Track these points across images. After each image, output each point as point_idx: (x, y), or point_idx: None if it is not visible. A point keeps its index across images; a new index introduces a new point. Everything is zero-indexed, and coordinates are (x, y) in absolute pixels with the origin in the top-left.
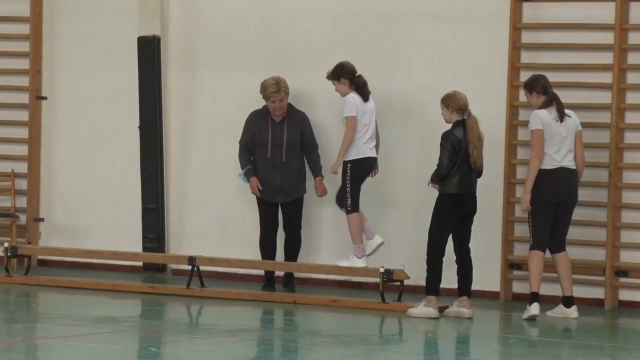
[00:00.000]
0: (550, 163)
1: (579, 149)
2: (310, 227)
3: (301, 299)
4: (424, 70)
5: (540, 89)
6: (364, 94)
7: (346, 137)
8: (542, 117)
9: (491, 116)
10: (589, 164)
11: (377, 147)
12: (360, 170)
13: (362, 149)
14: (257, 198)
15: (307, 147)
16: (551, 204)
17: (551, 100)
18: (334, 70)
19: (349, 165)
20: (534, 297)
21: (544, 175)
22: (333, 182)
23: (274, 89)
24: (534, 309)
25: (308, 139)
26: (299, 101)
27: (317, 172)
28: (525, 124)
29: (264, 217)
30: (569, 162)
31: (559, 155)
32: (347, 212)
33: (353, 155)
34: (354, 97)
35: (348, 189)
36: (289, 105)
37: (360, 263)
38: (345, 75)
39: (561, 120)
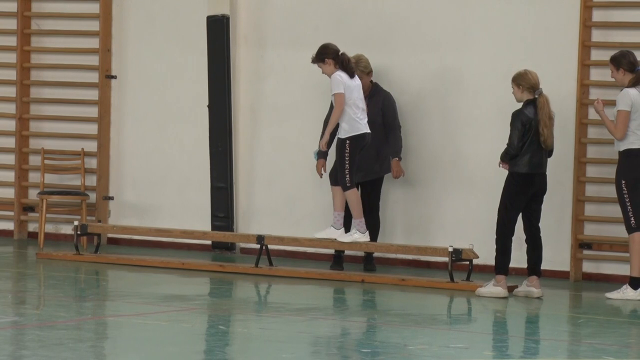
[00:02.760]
0: (638, 142)
1: None
2: (382, 206)
3: (370, 278)
4: (495, 49)
5: (627, 65)
6: (349, 71)
7: (334, 113)
8: (632, 97)
9: (562, 95)
10: None
11: None
12: (357, 146)
13: (357, 125)
14: None
15: (387, 128)
16: None
17: (639, 79)
18: (318, 53)
19: (348, 142)
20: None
21: (633, 155)
22: (411, 162)
23: None
24: None
25: (389, 119)
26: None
27: (394, 152)
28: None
29: None
30: None
31: None
32: (345, 189)
33: (350, 132)
34: (340, 74)
35: (347, 165)
36: (374, 84)
37: (363, 237)
38: (330, 56)
39: None
